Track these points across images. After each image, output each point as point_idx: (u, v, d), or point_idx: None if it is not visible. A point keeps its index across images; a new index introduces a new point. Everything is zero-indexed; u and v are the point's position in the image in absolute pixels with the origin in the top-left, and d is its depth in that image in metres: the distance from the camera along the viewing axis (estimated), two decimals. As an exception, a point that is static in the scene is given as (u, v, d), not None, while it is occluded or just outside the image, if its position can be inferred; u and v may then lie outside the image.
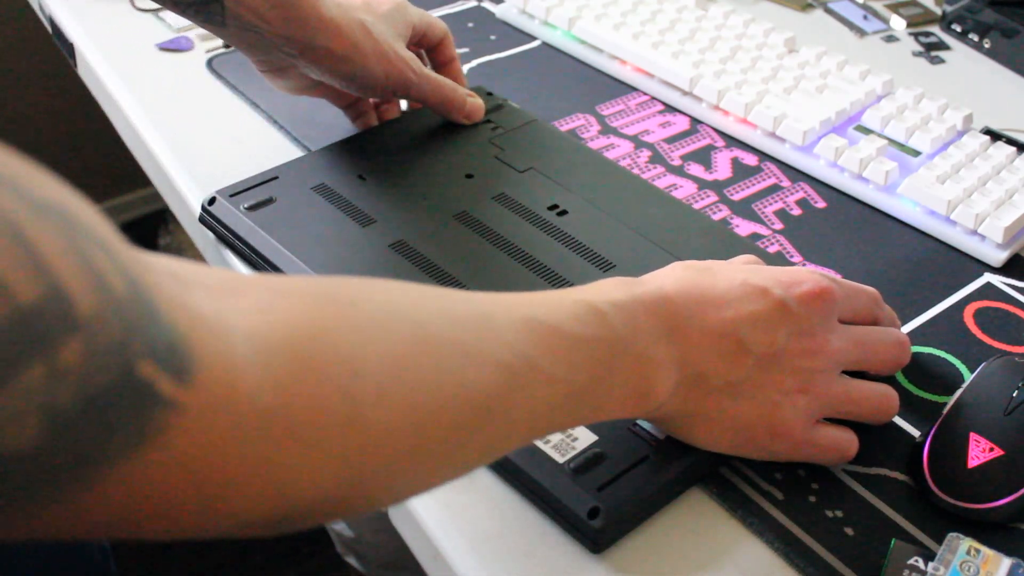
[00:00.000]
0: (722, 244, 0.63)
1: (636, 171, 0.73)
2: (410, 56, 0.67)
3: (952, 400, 0.54)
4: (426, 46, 0.72)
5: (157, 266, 0.31)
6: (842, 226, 0.69)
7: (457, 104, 0.70)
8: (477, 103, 0.72)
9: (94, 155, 1.84)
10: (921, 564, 0.47)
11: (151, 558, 1.37)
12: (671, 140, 0.76)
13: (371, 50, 0.64)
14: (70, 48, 0.85)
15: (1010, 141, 0.76)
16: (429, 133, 0.71)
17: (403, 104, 0.75)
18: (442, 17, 0.89)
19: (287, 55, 0.63)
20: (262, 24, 0.61)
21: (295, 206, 0.63)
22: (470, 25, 0.89)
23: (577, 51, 0.85)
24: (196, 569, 1.38)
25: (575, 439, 0.50)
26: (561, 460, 0.49)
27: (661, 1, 0.87)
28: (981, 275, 0.66)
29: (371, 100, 0.72)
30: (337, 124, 0.72)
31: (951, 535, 0.48)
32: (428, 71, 0.68)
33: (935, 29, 0.94)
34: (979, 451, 0.51)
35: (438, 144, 0.70)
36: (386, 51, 0.65)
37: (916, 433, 0.54)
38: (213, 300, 0.32)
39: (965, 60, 0.90)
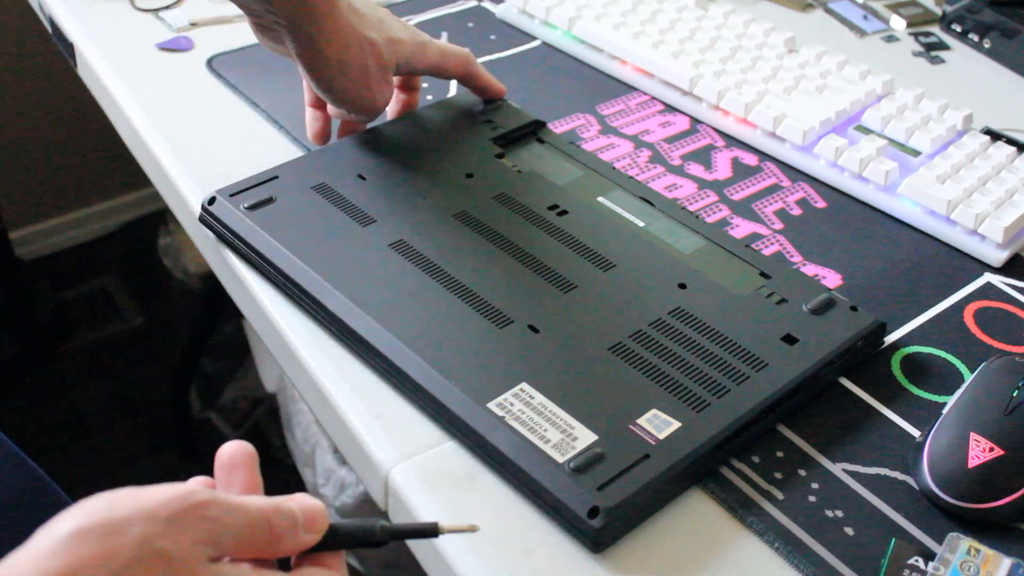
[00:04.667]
0: (719, 245, 0.64)
1: (636, 171, 0.73)
2: (391, 91, 0.67)
3: (952, 400, 0.54)
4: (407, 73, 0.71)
5: None
6: (842, 226, 0.69)
7: None
8: None
9: (94, 155, 1.84)
10: (921, 564, 0.47)
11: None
12: (671, 140, 0.76)
13: (357, 71, 0.64)
14: (70, 48, 0.85)
15: (1010, 141, 0.76)
16: (429, 133, 0.71)
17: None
18: (442, 17, 0.89)
19: (277, 24, 0.62)
20: None
21: (295, 206, 0.63)
22: (470, 25, 0.89)
23: (577, 51, 0.85)
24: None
25: (575, 439, 0.50)
26: (561, 460, 0.49)
27: (661, 1, 0.87)
28: (981, 275, 0.66)
29: (331, 112, 0.71)
30: (337, 124, 0.72)
31: (951, 535, 0.48)
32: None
33: (935, 29, 0.94)
34: (979, 451, 0.51)
35: (438, 144, 0.70)
36: (370, 79, 0.64)
37: (916, 433, 0.54)
38: None
39: (965, 60, 0.90)
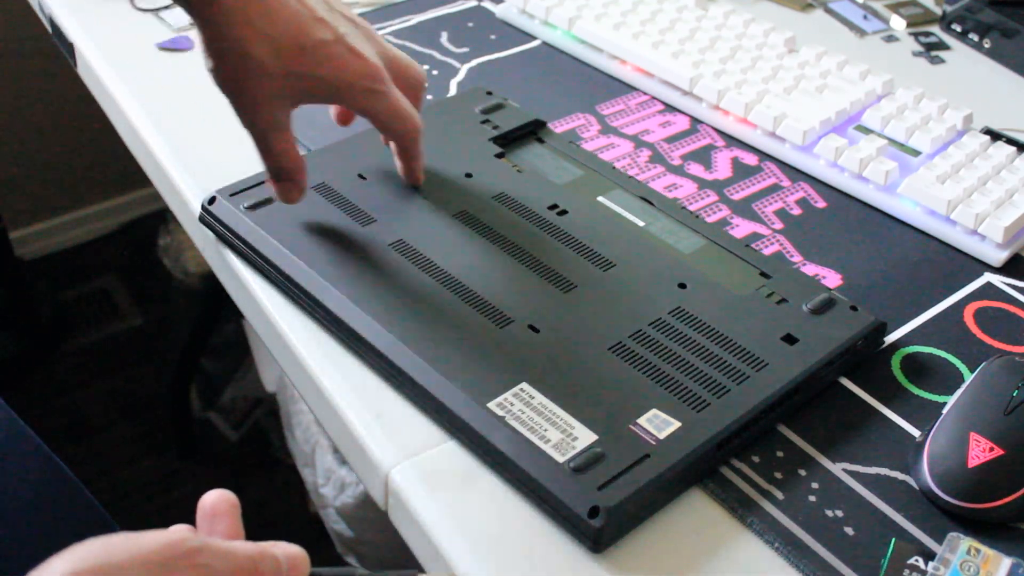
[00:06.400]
0: (720, 245, 0.64)
1: (636, 171, 0.73)
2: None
3: (952, 400, 0.54)
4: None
5: None
6: (842, 226, 0.69)
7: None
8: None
9: (94, 155, 1.84)
10: (921, 564, 0.47)
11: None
12: (671, 140, 0.76)
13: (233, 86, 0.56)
14: (70, 48, 0.85)
15: (1010, 141, 0.76)
16: (429, 133, 0.71)
17: None
18: (442, 17, 0.89)
19: None
20: None
21: (295, 206, 0.63)
22: (470, 25, 0.89)
23: (577, 51, 0.85)
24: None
25: (575, 439, 0.50)
26: (561, 459, 0.49)
27: (661, 1, 0.87)
28: (981, 275, 0.66)
29: None
30: (337, 124, 0.72)
31: (951, 535, 0.48)
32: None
33: (935, 29, 0.94)
34: (979, 451, 0.51)
35: (438, 144, 0.70)
36: (245, 105, 0.56)
37: (916, 433, 0.54)
38: None
39: (965, 60, 0.90)
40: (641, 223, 0.65)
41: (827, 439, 0.54)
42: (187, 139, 0.73)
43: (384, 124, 0.61)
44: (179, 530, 0.41)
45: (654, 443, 0.50)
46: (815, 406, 0.56)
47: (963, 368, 0.59)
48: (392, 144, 0.64)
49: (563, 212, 0.65)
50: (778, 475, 0.52)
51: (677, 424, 0.51)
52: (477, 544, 0.48)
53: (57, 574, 0.37)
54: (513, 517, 0.49)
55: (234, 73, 0.55)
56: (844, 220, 0.70)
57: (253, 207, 0.63)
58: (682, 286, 0.60)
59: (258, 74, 0.55)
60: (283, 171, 0.59)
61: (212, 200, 0.64)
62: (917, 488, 0.51)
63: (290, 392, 1.30)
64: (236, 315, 1.49)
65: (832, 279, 0.64)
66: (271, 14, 0.54)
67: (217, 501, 0.44)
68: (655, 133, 0.77)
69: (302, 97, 0.58)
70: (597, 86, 0.82)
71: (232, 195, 0.63)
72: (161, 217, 1.79)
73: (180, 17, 0.86)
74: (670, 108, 0.80)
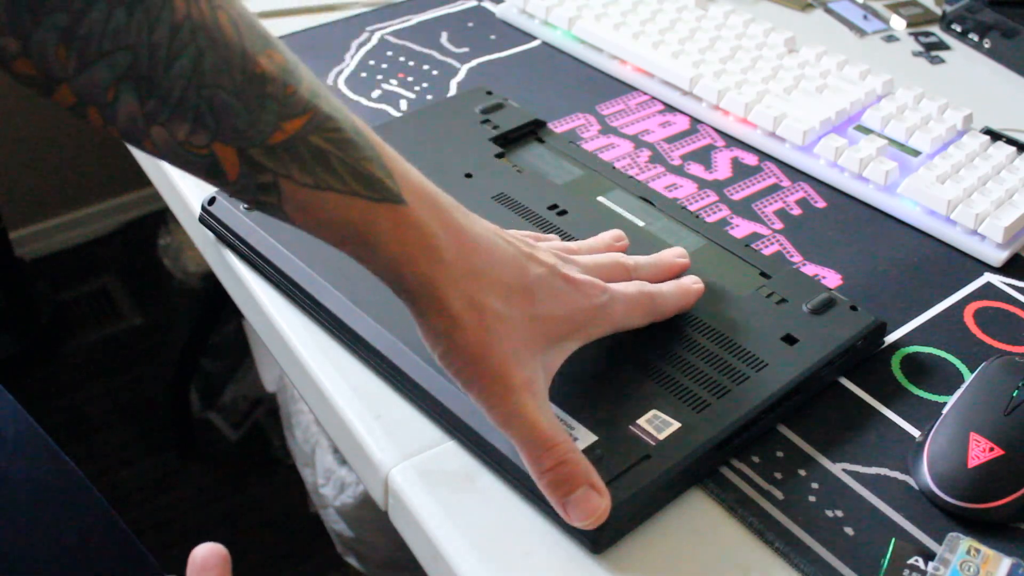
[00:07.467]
0: (719, 244, 0.64)
1: (636, 171, 0.73)
2: (527, 380, 0.47)
3: (952, 400, 0.54)
4: None
5: None
6: (842, 226, 0.69)
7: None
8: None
9: (94, 155, 1.84)
10: (921, 564, 0.47)
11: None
12: (671, 140, 0.76)
13: (472, 339, 0.46)
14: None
15: (1010, 141, 0.76)
16: (429, 133, 0.71)
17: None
18: (442, 17, 0.89)
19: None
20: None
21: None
22: (470, 25, 0.89)
23: (577, 51, 0.85)
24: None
25: (575, 439, 0.50)
26: (561, 460, 0.49)
27: (661, 1, 0.87)
28: (981, 275, 0.66)
29: None
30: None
31: (951, 535, 0.48)
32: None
33: (935, 29, 0.94)
34: (979, 451, 0.51)
35: (438, 144, 0.70)
36: (490, 366, 0.46)
37: (916, 433, 0.54)
38: None
39: (965, 60, 0.90)
40: (641, 223, 0.65)
41: (827, 439, 0.54)
42: (187, 139, 0.73)
43: (638, 320, 0.54)
44: None
45: (654, 443, 0.50)
46: (815, 406, 0.56)
47: (963, 368, 0.59)
48: None
49: (563, 212, 0.64)
50: (778, 475, 0.52)
51: (677, 424, 0.51)
52: (477, 544, 0.48)
53: None
54: (513, 517, 0.49)
55: (476, 335, 0.46)
56: (844, 220, 0.70)
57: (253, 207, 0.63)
58: (682, 286, 0.60)
59: (501, 326, 0.46)
60: (569, 475, 0.46)
61: (212, 200, 0.64)
62: (917, 488, 0.51)
63: (290, 392, 1.30)
64: (236, 315, 1.49)
65: (832, 279, 0.64)
66: (493, 260, 0.47)
67: (208, 555, 0.44)
68: (655, 133, 0.77)
69: (545, 344, 0.48)
70: (597, 86, 0.82)
71: (232, 195, 0.63)
72: (161, 217, 1.79)
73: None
74: (670, 108, 0.80)
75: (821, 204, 0.71)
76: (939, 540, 0.48)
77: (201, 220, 0.64)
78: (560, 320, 0.49)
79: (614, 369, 0.54)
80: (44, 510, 0.66)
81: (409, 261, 0.45)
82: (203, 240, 0.67)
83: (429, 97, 0.79)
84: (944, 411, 0.54)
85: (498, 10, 0.90)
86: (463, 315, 0.45)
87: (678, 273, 0.59)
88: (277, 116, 0.42)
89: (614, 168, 0.70)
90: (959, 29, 0.92)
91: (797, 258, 0.66)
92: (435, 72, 0.82)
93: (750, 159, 0.75)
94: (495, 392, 0.46)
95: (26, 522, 0.64)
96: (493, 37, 0.87)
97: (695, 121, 0.79)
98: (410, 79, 0.81)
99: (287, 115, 0.43)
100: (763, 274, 0.62)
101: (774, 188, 0.72)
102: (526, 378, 0.46)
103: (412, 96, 0.79)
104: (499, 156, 0.70)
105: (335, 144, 0.44)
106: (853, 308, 0.59)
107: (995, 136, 0.77)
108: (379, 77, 0.81)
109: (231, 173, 0.43)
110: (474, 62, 0.84)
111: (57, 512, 0.66)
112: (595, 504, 0.46)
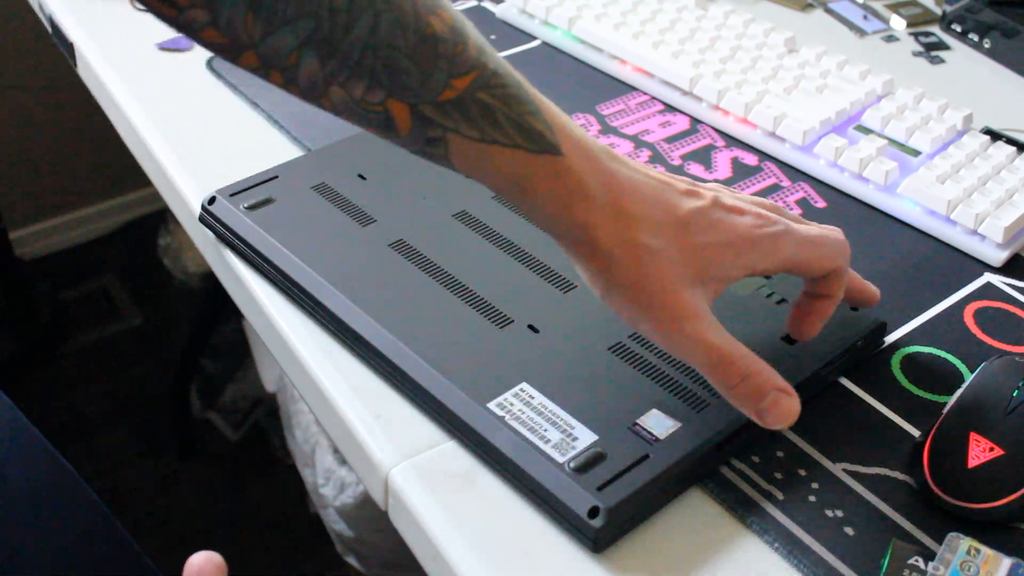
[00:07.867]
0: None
1: (636, 171, 0.73)
2: (697, 316, 0.48)
3: (952, 400, 0.54)
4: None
5: None
6: (842, 226, 0.69)
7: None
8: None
9: (94, 155, 1.84)
10: (921, 564, 0.47)
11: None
12: (671, 140, 0.76)
13: (625, 279, 0.48)
14: (70, 48, 0.85)
15: (1010, 141, 0.76)
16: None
17: None
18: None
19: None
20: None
21: (295, 206, 0.63)
22: (470, 25, 0.89)
23: (577, 51, 0.85)
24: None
25: (575, 439, 0.50)
26: (561, 460, 0.49)
27: (661, 1, 0.87)
28: (981, 275, 0.66)
29: None
30: (337, 124, 0.72)
31: (951, 535, 0.48)
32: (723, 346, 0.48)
33: (935, 29, 0.94)
34: (979, 451, 0.51)
35: (438, 144, 0.70)
36: (651, 297, 0.47)
37: (916, 433, 0.54)
38: None
39: (965, 60, 0.90)
40: (641, 223, 0.65)
41: (827, 439, 0.54)
42: (187, 139, 0.73)
43: (808, 262, 0.53)
44: None
45: (654, 443, 0.50)
46: (815, 406, 0.56)
47: (963, 368, 0.59)
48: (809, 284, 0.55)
49: (563, 212, 0.64)
50: (778, 475, 0.52)
51: (677, 424, 0.51)
52: (477, 544, 0.48)
53: None
54: (513, 517, 0.49)
55: (630, 270, 0.47)
56: (844, 220, 0.70)
57: (253, 207, 0.63)
58: (682, 286, 0.60)
59: (653, 259, 0.47)
60: (756, 387, 0.48)
61: (212, 200, 0.64)
62: (917, 488, 0.51)
63: (290, 392, 1.30)
64: (236, 315, 1.49)
65: (832, 279, 0.64)
66: (642, 198, 0.48)
67: (204, 563, 0.45)
68: (655, 133, 0.77)
69: (703, 272, 0.49)
70: (597, 86, 0.82)
71: (232, 195, 0.63)
72: (161, 217, 1.79)
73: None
74: (670, 108, 0.80)
75: (821, 204, 0.71)
76: (939, 540, 0.48)
77: (201, 220, 0.64)
78: (720, 248, 0.49)
79: (614, 369, 0.54)
80: (39, 511, 0.66)
81: (564, 207, 0.47)
82: (203, 240, 0.67)
83: (429, 97, 0.79)
84: (944, 411, 0.54)
85: (498, 10, 0.90)
86: (615, 251, 0.47)
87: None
88: (447, 74, 0.44)
89: (614, 168, 0.70)
90: (959, 29, 0.92)
91: (797, 258, 0.66)
92: (435, 72, 0.82)
93: (750, 159, 0.75)
94: (662, 321, 0.48)
95: (21, 523, 0.64)
96: (493, 37, 0.87)
97: (695, 121, 0.79)
98: (410, 79, 0.81)
99: (456, 73, 0.45)
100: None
101: (774, 188, 0.72)
102: (688, 303, 0.48)
103: (412, 96, 0.79)
104: (499, 156, 0.69)
105: (500, 99, 0.46)
106: (853, 308, 0.59)
107: (995, 136, 0.77)
108: (379, 77, 0.80)
109: (403, 128, 0.46)
110: (474, 62, 0.83)
111: (53, 513, 0.66)
112: (786, 406, 0.48)
